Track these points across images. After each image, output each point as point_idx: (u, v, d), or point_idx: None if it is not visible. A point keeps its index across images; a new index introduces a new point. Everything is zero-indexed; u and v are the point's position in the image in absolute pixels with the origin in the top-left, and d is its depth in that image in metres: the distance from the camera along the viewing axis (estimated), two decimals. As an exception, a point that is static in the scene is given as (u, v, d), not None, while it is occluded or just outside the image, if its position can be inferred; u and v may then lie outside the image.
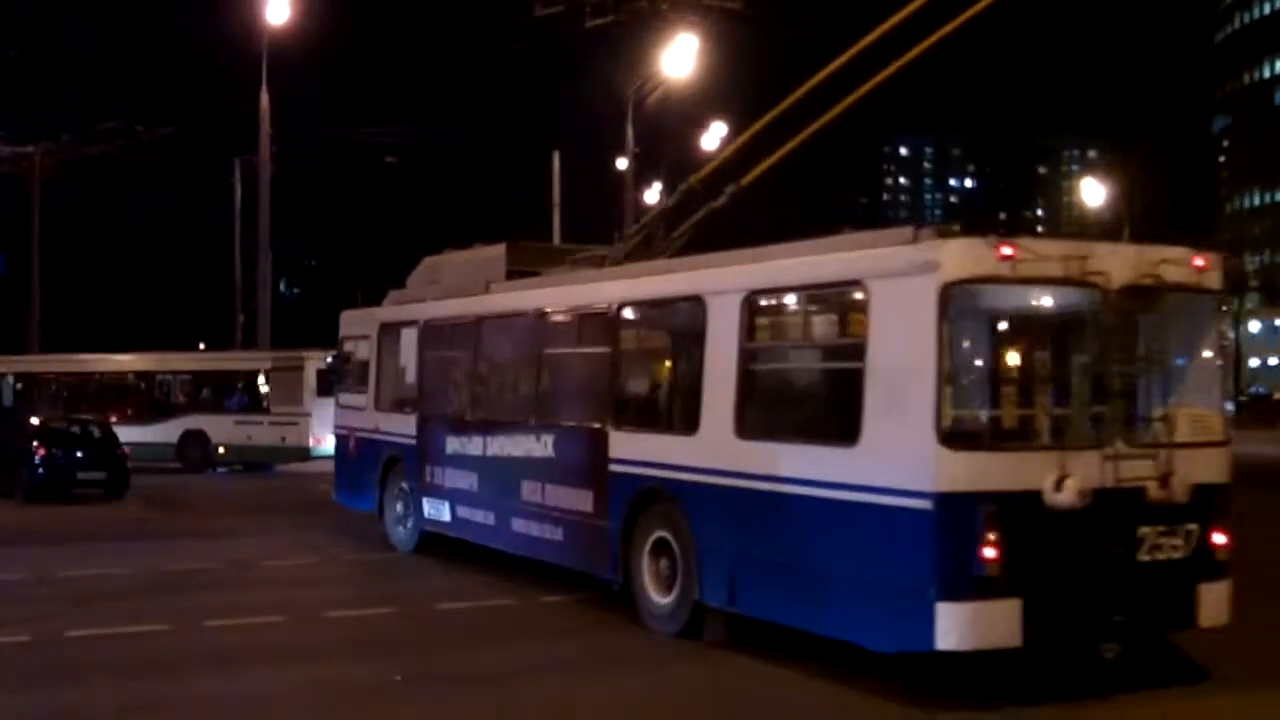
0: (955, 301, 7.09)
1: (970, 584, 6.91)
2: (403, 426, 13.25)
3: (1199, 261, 7.86)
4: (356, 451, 14.47)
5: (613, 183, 36.84)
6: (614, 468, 9.71)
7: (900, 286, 7.30)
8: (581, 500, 10.16)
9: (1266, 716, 7.29)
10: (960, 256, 7.12)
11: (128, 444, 21.41)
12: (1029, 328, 8.24)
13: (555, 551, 10.68)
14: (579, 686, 7.76)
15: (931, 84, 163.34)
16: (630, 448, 9.62)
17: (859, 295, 7.65)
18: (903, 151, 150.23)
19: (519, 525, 11.11)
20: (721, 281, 8.92)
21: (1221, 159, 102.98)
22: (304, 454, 24.71)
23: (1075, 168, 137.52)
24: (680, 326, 9.65)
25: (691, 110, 37.92)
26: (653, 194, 39.27)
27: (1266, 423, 49.66)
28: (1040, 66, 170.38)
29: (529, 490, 10.92)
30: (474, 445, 11.88)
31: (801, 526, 7.88)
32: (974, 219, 7.59)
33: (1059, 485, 7.04)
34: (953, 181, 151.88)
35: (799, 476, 7.90)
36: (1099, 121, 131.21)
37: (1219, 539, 7.67)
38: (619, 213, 33.84)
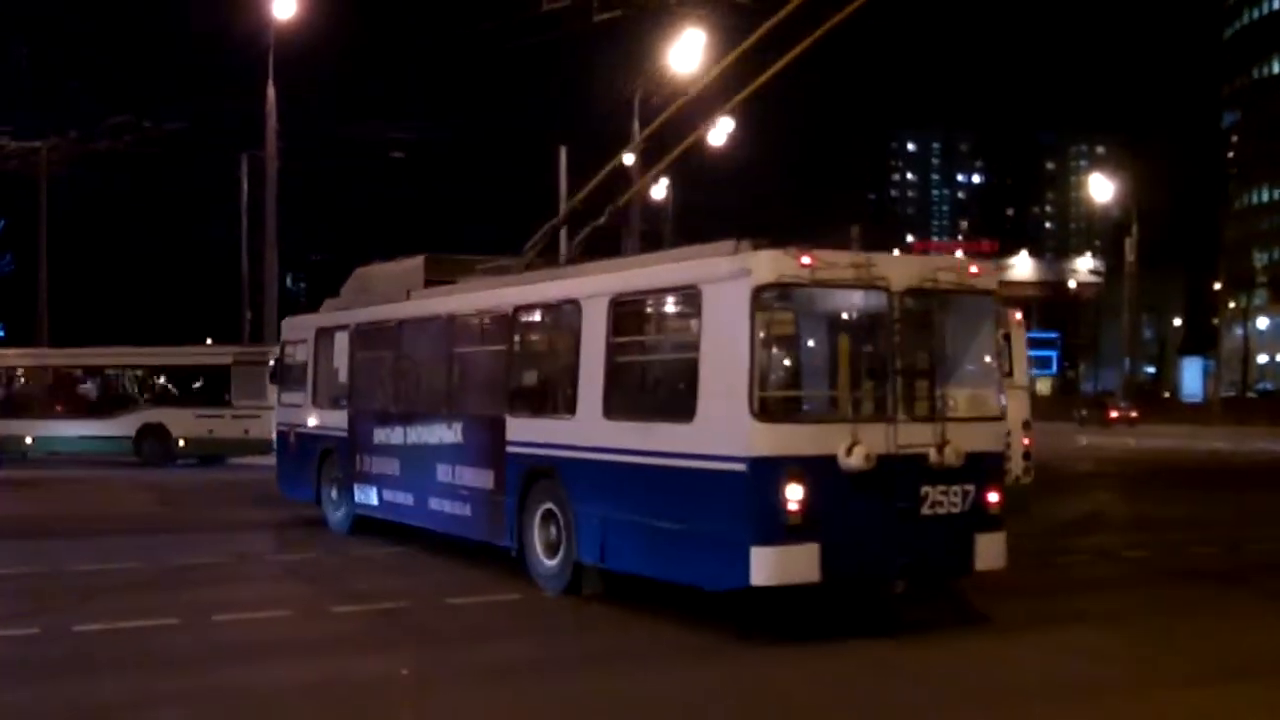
0: (764, 301, 8.62)
1: (777, 531, 8.38)
2: (336, 421, 14.70)
3: (974, 269, 9.55)
4: (296, 445, 15.85)
5: (620, 176, 36.78)
6: (510, 449, 11.15)
7: (723, 289, 8.79)
8: (484, 479, 11.59)
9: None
10: (768, 264, 8.58)
11: (84, 438, 21.57)
12: (829, 323, 9.88)
13: (464, 525, 12.02)
14: (584, 683, 7.79)
15: (938, 80, 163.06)
16: (523, 431, 11.05)
17: (694, 297, 9.19)
18: (910, 148, 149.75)
19: (434, 504, 12.51)
20: (593, 288, 10.38)
21: (1230, 155, 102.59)
22: (267, 446, 24.72)
23: (1083, 163, 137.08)
24: (562, 326, 11.04)
25: (700, 103, 37.82)
26: (659, 189, 39.30)
27: (1273, 418, 49.38)
28: (1048, 62, 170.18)
29: (442, 472, 12.32)
30: (396, 435, 13.29)
31: (652, 491, 9.36)
32: (778, 239, 8.78)
33: (850, 451, 8.51)
34: (960, 177, 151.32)
35: (650, 449, 9.42)
36: (1107, 117, 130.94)
37: (992, 497, 9.15)
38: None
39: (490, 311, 12.14)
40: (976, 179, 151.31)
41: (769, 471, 8.41)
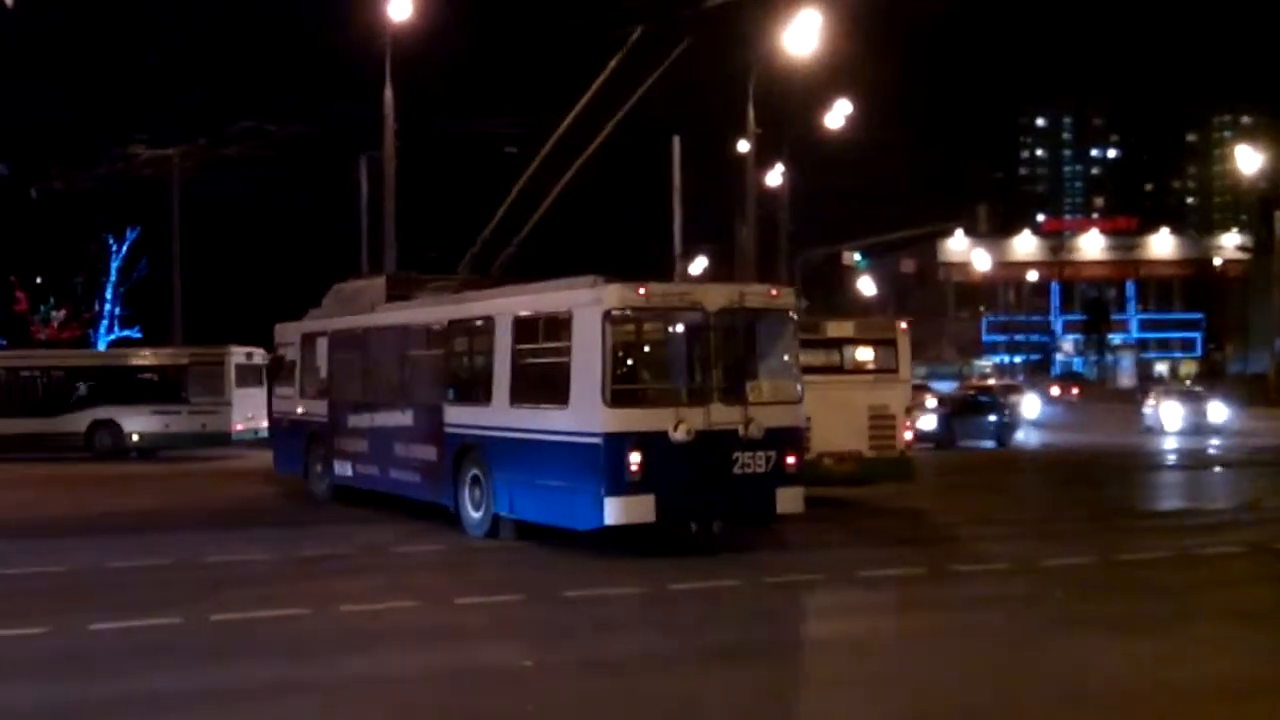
0: (613, 321, 12.01)
1: (623, 486, 11.73)
2: (319, 410, 17.95)
3: (774, 292, 13.24)
4: (288, 431, 19.24)
5: (734, 165, 36.24)
6: (448, 430, 14.46)
7: (586, 312, 12.14)
8: (430, 454, 14.90)
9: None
10: (615, 295, 12.00)
11: (37, 435, 25.69)
12: (661, 334, 13.42)
13: (416, 489, 15.35)
14: (705, 677, 8.08)
15: (1067, 53, 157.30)
16: (457, 416, 14.37)
17: (568, 318, 12.46)
18: (1040, 123, 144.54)
19: (393, 474, 15.89)
20: (502, 308, 13.84)
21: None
22: (225, 439, 27.86)
23: (1228, 134, 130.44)
24: (483, 336, 14.26)
25: (814, 87, 36.97)
26: (774, 176, 38.58)
27: None
28: (1186, 29, 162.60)
29: (399, 449, 15.71)
30: (365, 421, 16.68)
31: (541, 459, 12.69)
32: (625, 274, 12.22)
33: (676, 427, 11.90)
34: (1094, 152, 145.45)
35: (540, 428, 12.81)
36: (1255, 85, 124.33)
37: (790, 460, 12.53)
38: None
39: (432, 323, 15.47)
40: (1112, 153, 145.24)
41: (617, 443, 11.77)
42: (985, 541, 14.14)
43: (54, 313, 51.24)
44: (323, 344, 17.99)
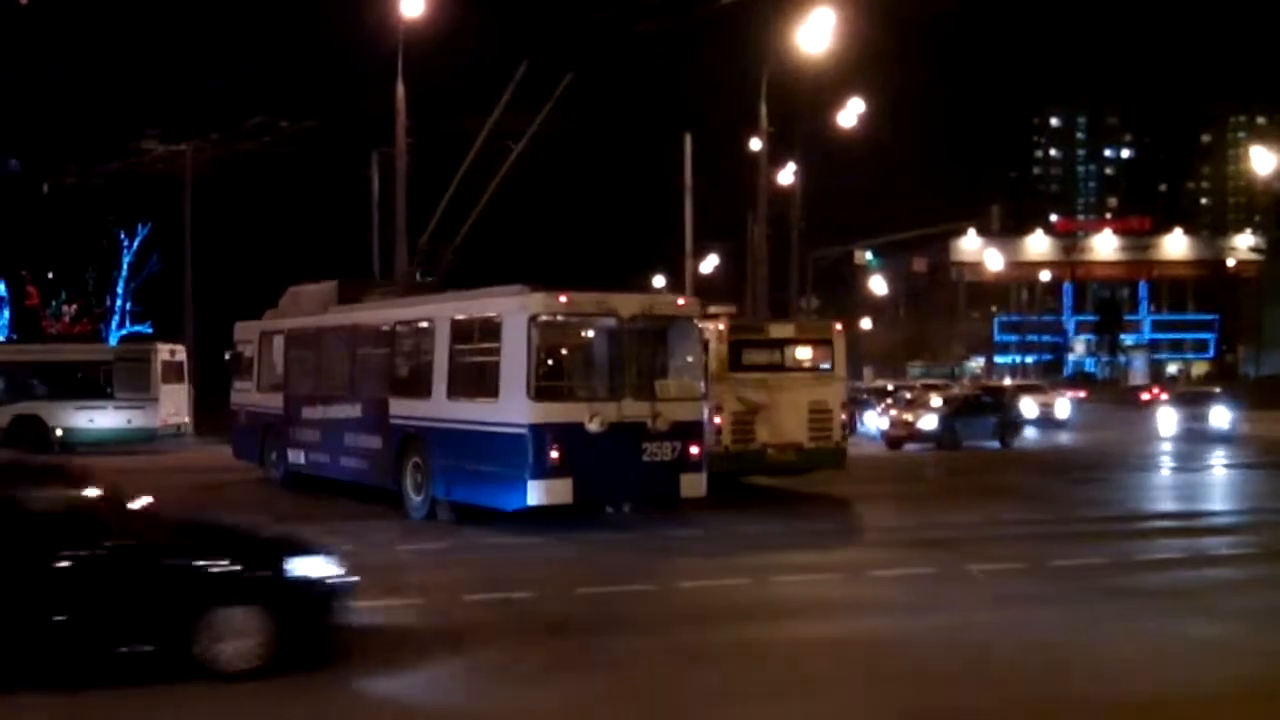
0: (538, 326, 13.61)
1: (545, 471, 13.25)
2: (275, 402, 19.31)
3: (681, 301, 15.33)
4: (245, 421, 20.64)
5: (747, 163, 36.07)
6: (392, 421, 15.87)
7: (513, 318, 13.76)
8: (375, 442, 16.29)
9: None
10: (539, 303, 13.64)
11: None
12: (581, 338, 14.88)
13: (363, 475, 16.74)
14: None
15: (1081, 53, 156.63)
16: (400, 409, 15.79)
17: (498, 322, 14.08)
18: (1054, 123, 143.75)
19: (343, 461, 17.31)
20: (441, 312, 15.40)
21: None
22: (151, 435, 28.09)
23: (1242, 135, 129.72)
24: (423, 337, 15.76)
25: (827, 86, 36.78)
26: (787, 174, 38.41)
27: None
28: (1199, 30, 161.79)
29: (348, 439, 17.13)
30: (317, 412, 18.09)
31: (474, 447, 14.07)
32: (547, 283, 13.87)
33: (592, 419, 13.40)
34: (1108, 152, 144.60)
35: (473, 420, 14.27)
36: (1269, 85, 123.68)
37: (693, 450, 14.05)
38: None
39: (379, 324, 16.97)
40: (1125, 153, 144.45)
41: (540, 433, 13.28)
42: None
43: (65, 308, 51.30)
44: (279, 342, 19.60)
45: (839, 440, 18.33)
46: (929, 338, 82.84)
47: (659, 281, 63.86)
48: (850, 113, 37.41)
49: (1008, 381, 51.86)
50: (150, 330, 47.32)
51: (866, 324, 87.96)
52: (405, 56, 29.86)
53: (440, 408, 14.87)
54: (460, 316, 14.95)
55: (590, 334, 14.73)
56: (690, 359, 14.63)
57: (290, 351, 19.23)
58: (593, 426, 13.30)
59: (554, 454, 13.17)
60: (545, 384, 13.69)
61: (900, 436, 30.28)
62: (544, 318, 13.68)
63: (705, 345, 16.88)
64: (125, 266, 50.12)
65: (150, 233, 48.88)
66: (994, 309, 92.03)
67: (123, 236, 49.86)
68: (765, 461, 17.64)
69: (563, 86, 21.48)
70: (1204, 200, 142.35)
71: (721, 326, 17.69)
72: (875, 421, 32.78)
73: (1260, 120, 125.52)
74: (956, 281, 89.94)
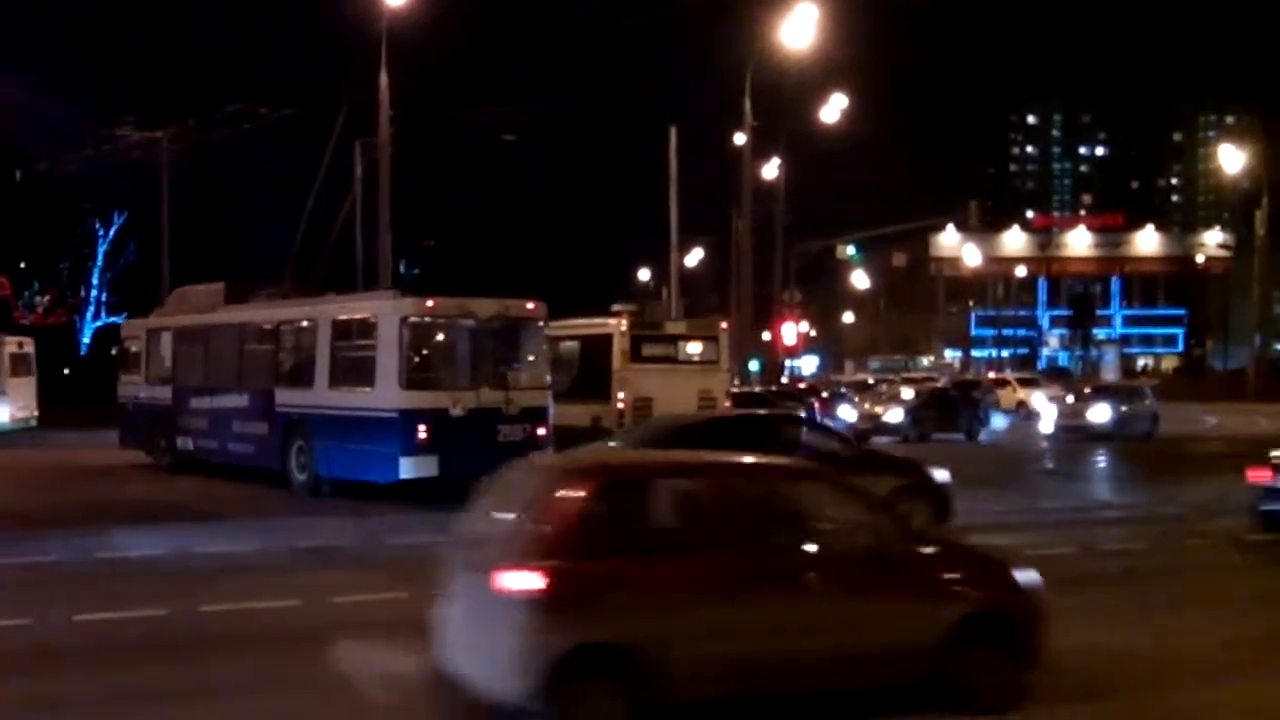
0: (407, 326, 15.86)
1: (414, 448, 15.32)
2: (164, 394, 21.09)
3: (530, 305, 16.95)
4: (134, 412, 22.15)
5: (731, 158, 35.99)
6: (278, 409, 17.83)
7: (386, 319, 16.05)
8: (263, 428, 18.21)
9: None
10: (408, 306, 16.18)
11: None
12: (445, 336, 16.76)
13: (251, 459, 18.55)
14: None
15: (1057, 50, 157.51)
16: (285, 398, 17.80)
17: (374, 321, 16.35)
18: (1030, 120, 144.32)
19: (230, 446, 19.18)
20: (324, 312, 17.59)
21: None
22: (3, 430, 28.14)
23: (1212, 134, 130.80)
24: (307, 333, 17.79)
25: (809, 82, 36.78)
26: (770, 169, 38.34)
27: None
28: (1173, 29, 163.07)
29: (236, 426, 18.99)
30: (206, 402, 19.83)
31: (353, 430, 16.13)
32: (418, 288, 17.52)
33: (454, 405, 15.55)
34: (1083, 150, 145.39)
35: (352, 406, 16.37)
36: (1238, 86, 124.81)
37: (541, 432, 16.19)
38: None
39: (266, 322, 18.94)
40: (1100, 151, 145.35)
41: (410, 418, 15.39)
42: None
43: (38, 298, 50.54)
44: (167, 338, 21.46)
45: None
46: (909, 331, 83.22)
47: (644, 275, 64.08)
48: (833, 108, 37.51)
49: (992, 375, 52.05)
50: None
51: (849, 318, 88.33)
52: (389, 46, 29.59)
53: (322, 396, 16.98)
54: (340, 317, 17.14)
55: (453, 333, 16.68)
56: (538, 355, 17.03)
57: (179, 347, 21.08)
58: (455, 411, 15.48)
59: (422, 434, 15.29)
60: (415, 375, 15.83)
61: (867, 430, 30.12)
62: (413, 319, 15.98)
63: (609, 340, 20.21)
64: (101, 256, 49.47)
65: (126, 221, 48.24)
66: (971, 303, 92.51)
67: (98, 225, 49.19)
68: None
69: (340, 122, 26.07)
70: (1175, 198, 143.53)
71: (624, 323, 20.35)
72: (847, 415, 32.51)
73: (1229, 120, 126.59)
74: (935, 276, 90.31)
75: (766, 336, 42.73)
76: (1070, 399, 33.10)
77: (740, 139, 34.68)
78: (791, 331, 38.93)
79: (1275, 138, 60.22)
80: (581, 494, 6.31)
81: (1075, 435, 30.24)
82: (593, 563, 6.09)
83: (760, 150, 36.47)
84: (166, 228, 36.26)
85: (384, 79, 30.07)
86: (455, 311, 16.52)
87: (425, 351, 16.50)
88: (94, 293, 49.67)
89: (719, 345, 21.13)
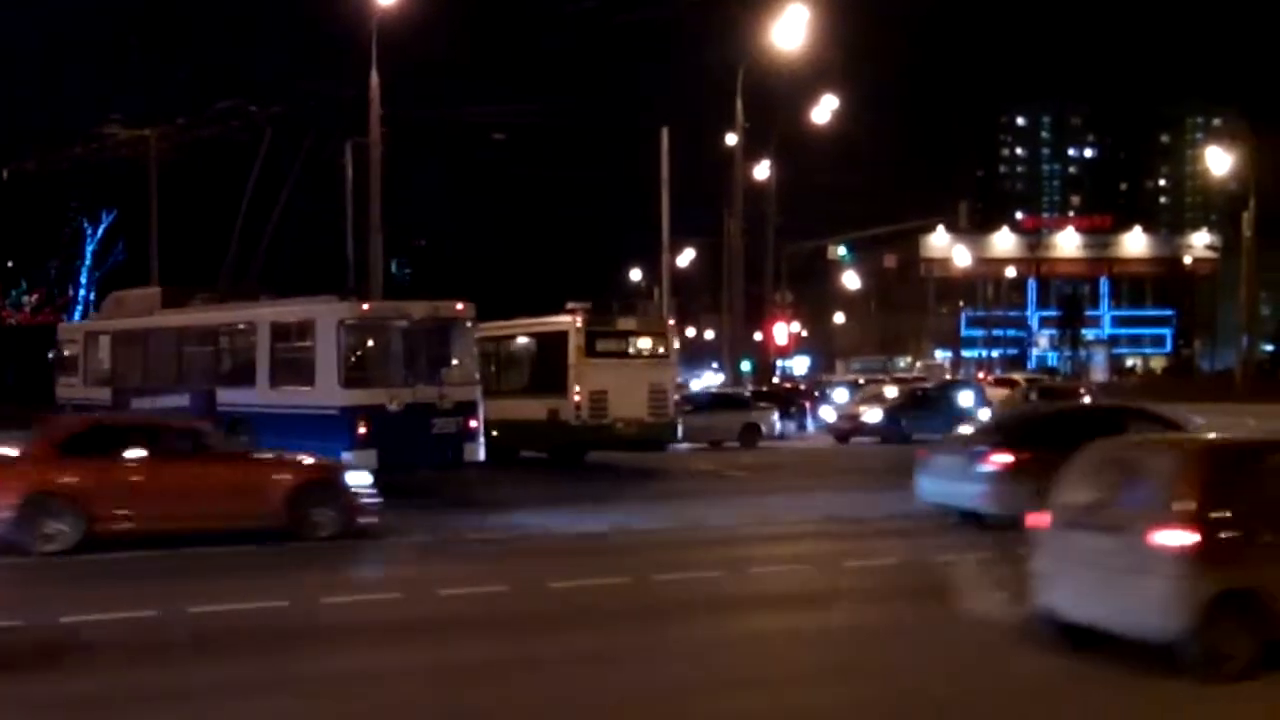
0: (346, 328, 16.62)
1: (355, 443, 15.83)
2: (102, 395, 21.35)
3: (460, 306, 17.60)
4: (73, 413, 22.44)
5: (723, 159, 35.99)
6: (220, 408, 18.16)
7: (325, 321, 16.70)
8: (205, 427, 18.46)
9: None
10: (346, 309, 16.90)
11: None
12: (382, 337, 17.27)
13: None
14: None
15: (1047, 53, 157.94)
16: (228, 397, 18.32)
17: (313, 324, 16.97)
18: (1020, 122, 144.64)
19: None
20: (264, 315, 18.34)
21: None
22: None
23: (1200, 136, 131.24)
24: (247, 335, 18.53)
25: (800, 84, 36.80)
26: (762, 170, 38.35)
27: None
28: (1162, 32, 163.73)
29: None
30: (146, 403, 19.87)
31: (296, 426, 16.21)
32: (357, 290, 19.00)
33: (391, 401, 16.23)
34: (1072, 151, 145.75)
35: (294, 404, 16.97)
36: (1226, 88, 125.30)
37: (472, 424, 16.89)
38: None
39: (205, 325, 19.70)
40: (1089, 153, 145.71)
41: (350, 413, 16.08)
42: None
43: (26, 298, 50.27)
44: (105, 341, 22.06)
45: (672, 416, 21.94)
46: (900, 332, 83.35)
47: (635, 275, 64.03)
48: (824, 109, 37.56)
49: (982, 375, 52.11)
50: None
51: (840, 318, 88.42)
52: (380, 45, 29.50)
53: (264, 395, 17.64)
54: (281, 320, 17.90)
55: (388, 334, 17.29)
56: (468, 351, 17.73)
57: (118, 349, 21.68)
58: (392, 407, 16.20)
59: (362, 429, 15.95)
60: (353, 374, 16.59)
61: (847, 430, 29.95)
62: (350, 321, 16.71)
63: (564, 336, 20.93)
64: (89, 255, 49.20)
65: (115, 221, 48.01)
66: (961, 304, 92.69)
67: (86, 225, 48.95)
68: (614, 434, 20.82)
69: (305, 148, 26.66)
70: (1163, 199, 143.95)
71: (579, 320, 20.96)
72: (828, 415, 32.24)
73: (1216, 122, 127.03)
74: (926, 277, 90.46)
75: (758, 337, 42.75)
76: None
77: (732, 140, 34.72)
78: (783, 332, 39.01)
79: (1262, 140, 60.49)
80: (1213, 467, 7.72)
81: None
82: (1227, 522, 7.36)
83: (752, 151, 36.56)
84: (155, 227, 36.08)
85: (374, 78, 29.99)
86: (390, 314, 17.47)
87: (363, 351, 17.31)
88: (82, 292, 49.36)
89: (668, 340, 22.21)
